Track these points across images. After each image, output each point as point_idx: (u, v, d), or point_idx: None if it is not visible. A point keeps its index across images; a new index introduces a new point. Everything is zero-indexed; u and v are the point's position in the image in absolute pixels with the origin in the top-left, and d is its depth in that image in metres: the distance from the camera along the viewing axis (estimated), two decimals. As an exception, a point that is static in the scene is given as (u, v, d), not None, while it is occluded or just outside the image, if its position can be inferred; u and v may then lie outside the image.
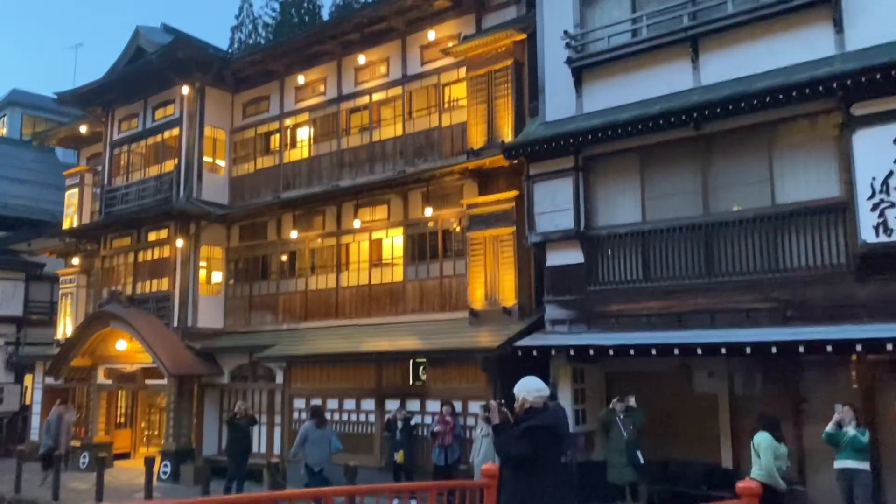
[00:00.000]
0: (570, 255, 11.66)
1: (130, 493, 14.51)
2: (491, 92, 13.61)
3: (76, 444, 18.89)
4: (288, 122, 17.81)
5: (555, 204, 11.73)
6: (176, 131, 18.35)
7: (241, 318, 17.87)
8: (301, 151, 17.58)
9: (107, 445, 18.62)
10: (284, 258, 17.42)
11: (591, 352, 10.75)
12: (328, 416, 14.36)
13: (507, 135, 13.15)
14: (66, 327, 20.83)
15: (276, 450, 15.83)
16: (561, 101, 12.02)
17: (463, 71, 14.32)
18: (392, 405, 13.44)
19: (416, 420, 12.72)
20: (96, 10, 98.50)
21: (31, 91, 44.24)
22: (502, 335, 11.93)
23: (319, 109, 17.14)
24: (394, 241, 15.59)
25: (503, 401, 5.42)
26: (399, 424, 12.22)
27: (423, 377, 13.35)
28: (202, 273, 17.98)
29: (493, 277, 13.06)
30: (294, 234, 16.82)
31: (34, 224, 24.51)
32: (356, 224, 15.83)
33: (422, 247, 14.98)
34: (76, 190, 21.55)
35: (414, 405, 13.22)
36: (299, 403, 14.97)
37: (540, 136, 11.78)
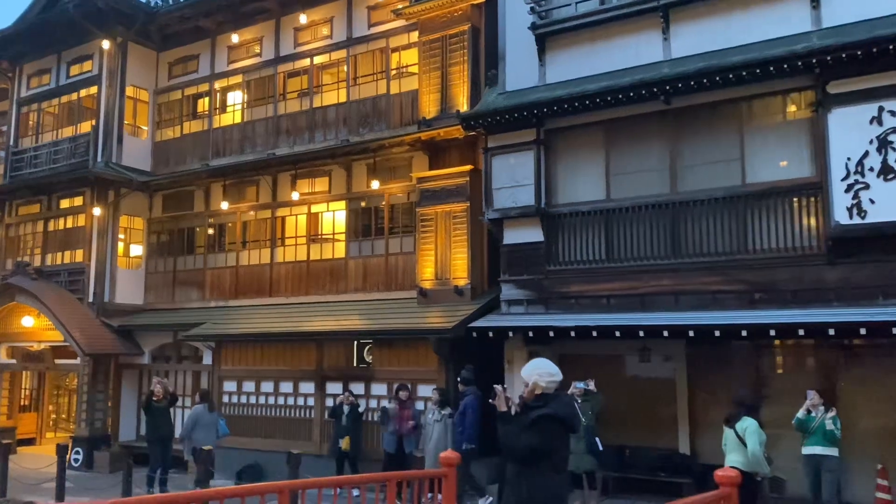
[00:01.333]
0: (529, 234, 11.11)
1: (39, 482, 13.17)
2: (445, 58, 12.85)
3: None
4: (219, 84, 16.54)
5: (514, 179, 11.14)
6: (94, 90, 16.79)
7: (164, 294, 16.59)
8: (233, 116, 16.37)
9: (9, 431, 17.04)
10: (213, 231, 16.24)
11: (552, 333, 10.27)
12: (263, 399, 13.50)
13: (462, 104, 12.45)
14: (-38, 302, 18.92)
15: (203, 435, 14.77)
16: (522, 70, 11.40)
17: (415, 35, 13.49)
18: (333, 388, 12.63)
19: (362, 405, 11.96)
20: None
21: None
22: (455, 315, 11.30)
23: (254, 71, 15.96)
24: (335, 216, 14.69)
25: (505, 385, 4.78)
26: (345, 409, 11.42)
27: (369, 359, 12.59)
28: (121, 245, 16.57)
29: (444, 255, 12.38)
30: (224, 205, 15.67)
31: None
32: (294, 196, 14.81)
33: (366, 222, 14.16)
34: (-25, 151, 19.58)
35: (358, 388, 12.44)
36: (230, 386, 13.96)
37: (500, 105, 11.14)
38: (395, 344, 12.16)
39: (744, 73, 9.25)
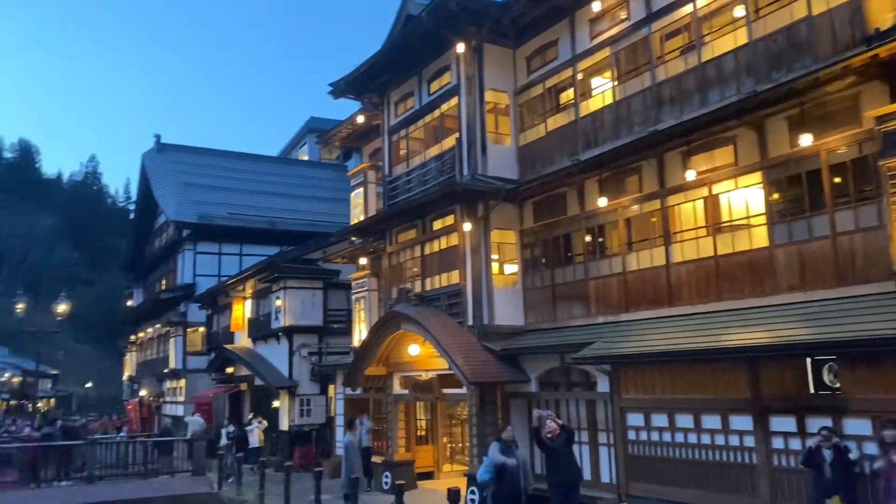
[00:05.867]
0: None
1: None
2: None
3: (377, 460, 17.18)
4: (582, 65, 14.30)
5: None
6: (454, 101, 15.83)
7: (545, 312, 14.66)
8: (602, 99, 13.93)
9: (408, 464, 16.63)
10: (591, 235, 13.90)
11: None
12: (681, 437, 10.48)
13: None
14: (360, 334, 19.44)
15: (605, 478, 12.29)
16: None
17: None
18: (781, 424, 9.13)
19: (854, 452, 8.24)
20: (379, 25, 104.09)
21: (326, 117, 46.81)
22: None
23: (623, 40, 13.37)
24: (747, 194, 11.23)
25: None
26: (826, 455, 7.86)
27: (834, 383, 8.82)
28: (495, 262, 15.13)
29: (943, 221, 8.17)
30: (602, 203, 13.21)
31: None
32: (688, 177, 11.72)
33: (795, 195, 10.46)
34: (360, 189, 20.18)
35: (818, 424, 8.75)
36: (635, 419, 11.26)
37: None
38: (879, 360, 8.23)
39: None
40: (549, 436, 10.05)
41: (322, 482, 14.11)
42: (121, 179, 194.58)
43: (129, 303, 48.58)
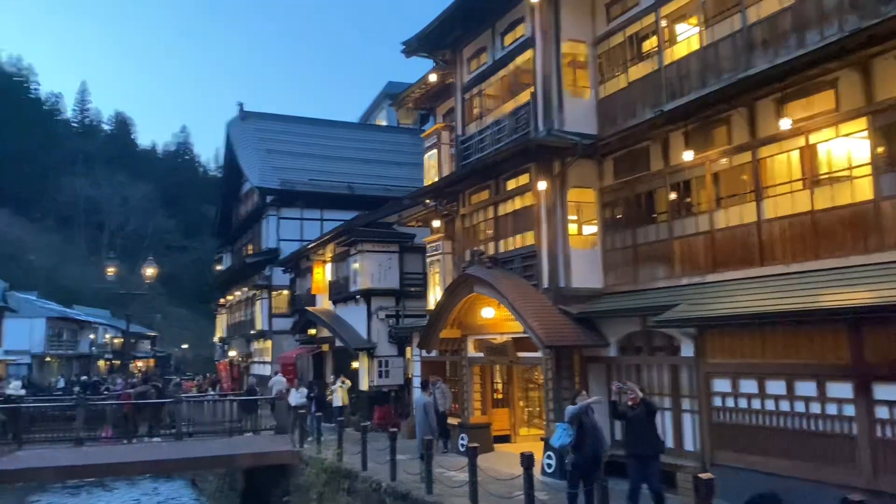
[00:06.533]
0: None
1: (510, 491, 11.64)
2: None
3: (454, 422, 17.08)
4: (666, 9, 13.35)
5: None
6: (529, 54, 15.15)
7: (625, 274, 14.01)
8: (688, 45, 13.00)
9: (485, 427, 16.43)
10: (676, 192, 13.10)
11: None
12: (772, 404, 9.80)
13: None
14: (435, 297, 19.26)
15: (689, 446, 11.71)
16: None
17: None
18: (887, 392, 8.32)
19: None
20: None
21: (405, 81, 46.52)
22: None
23: (710, -21, 12.38)
24: (850, 143, 10.23)
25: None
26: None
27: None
28: (571, 221, 14.55)
29: None
30: (687, 157, 12.39)
31: (409, 202, 23.89)
32: (783, 125, 10.79)
33: (906, 141, 9.45)
34: (434, 151, 19.90)
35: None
36: (721, 385, 10.60)
37: None
38: None
39: None
40: (629, 404, 9.64)
41: (399, 442, 14.14)
42: (210, 148, 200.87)
43: (219, 267, 50.28)
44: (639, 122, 13.24)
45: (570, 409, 10.10)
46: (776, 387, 9.72)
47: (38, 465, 15.98)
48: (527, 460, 9.97)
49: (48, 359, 55.49)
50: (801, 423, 9.44)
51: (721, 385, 10.57)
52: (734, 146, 11.85)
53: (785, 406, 9.60)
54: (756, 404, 10.02)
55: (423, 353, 18.86)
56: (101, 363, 66.94)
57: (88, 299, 73.91)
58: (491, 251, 15.78)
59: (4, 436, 17.17)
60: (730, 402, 10.40)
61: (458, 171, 17.00)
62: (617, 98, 14.36)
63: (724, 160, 12.06)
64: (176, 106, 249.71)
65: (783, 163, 11.15)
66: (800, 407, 9.44)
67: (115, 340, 69.92)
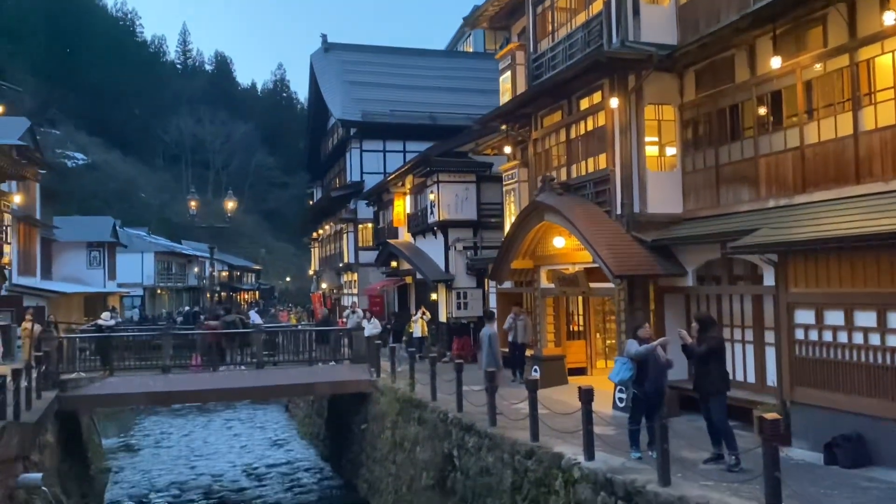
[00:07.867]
0: None
1: (576, 425, 11.13)
2: None
3: (530, 352, 16.67)
4: None
5: None
6: (602, -42, 13.89)
7: (706, 197, 12.90)
8: (779, -65, 11.45)
9: (559, 359, 15.93)
10: (764, 105, 11.79)
11: None
12: (860, 337, 8.77)
13: None
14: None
15: (771, 381, 10.81)
16: None
17: None
18: None
19: None
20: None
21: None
22: None
23: None
24: (968, 35, 8.73)
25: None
26: None
27: None
28: (648, 141, 13.47)
29: None
30: (776, 63, 11.00)
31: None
32: (886, 20, 9.32)
33: None
34: (508, 73, 18.89)
35: None
36: (804, 316, 9.56)
37: None
38: None
39: None
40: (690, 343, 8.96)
41: (474, 374, 13.92)
42: (307, 85, 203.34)
43: (311, 202, 51.27)
44: (722, 27, 11.88)
45: (631, 346, 9.45)
46: (866, 318, 8.64)
47: (128, 391, 16.79)
48: (586, 394, 9.42)
49: (159, 291, 58.89)
50: (893, 358, 8.39)
51: (804, 316, 9.55)
52: (830, 49, 10.44)
53: (875, 339, 8.53)
54: (842, 337, 8.98)
55: (497, 284, 18.40)
56: (208, 295, 70.61)
57: (198, 234, 77.58)
58: (563, 177, 14.94)
59: (99, 363, 18.11)
60: (813, 335, 9.40)
61: (529, 90, 16.06)
62: (699, 3, 12.96)
63: (818, 66, 10.67)
64: (272, 44, 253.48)
65: (886, 66, 9.71)
66: (892, 341, 8.36)
67: (222, 274, 73.34)
